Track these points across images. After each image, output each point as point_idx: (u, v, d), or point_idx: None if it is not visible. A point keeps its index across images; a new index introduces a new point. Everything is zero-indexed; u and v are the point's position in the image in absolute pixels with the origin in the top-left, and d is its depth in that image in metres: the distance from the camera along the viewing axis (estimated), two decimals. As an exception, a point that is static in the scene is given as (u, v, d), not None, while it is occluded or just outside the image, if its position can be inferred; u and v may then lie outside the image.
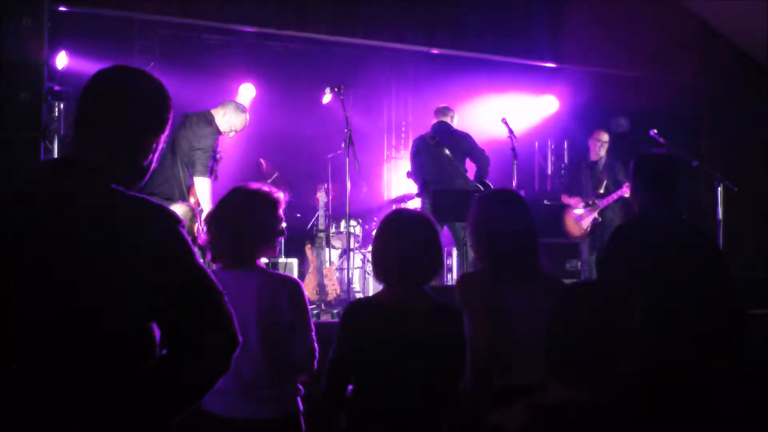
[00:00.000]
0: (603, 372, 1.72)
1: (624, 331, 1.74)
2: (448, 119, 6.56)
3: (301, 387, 2.75)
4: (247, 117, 5.72)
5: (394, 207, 8.28)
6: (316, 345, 2.72)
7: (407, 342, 2.44)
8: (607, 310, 1.76)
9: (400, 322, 2.46)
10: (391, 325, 2.46)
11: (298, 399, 2.73)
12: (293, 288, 2.69)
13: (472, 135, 6.48)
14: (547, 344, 1.79)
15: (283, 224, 2.81)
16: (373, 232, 2.63)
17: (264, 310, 2.62)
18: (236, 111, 5.64)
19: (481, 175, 6.33)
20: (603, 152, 7.01)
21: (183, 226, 1.64)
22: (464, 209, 5.29)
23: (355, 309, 2.56)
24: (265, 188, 2.81)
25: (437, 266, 2.57)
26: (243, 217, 2.70)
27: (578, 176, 7.12)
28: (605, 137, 7.02)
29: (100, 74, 1.73)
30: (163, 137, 1.79)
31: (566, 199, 7.05)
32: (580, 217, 6.88)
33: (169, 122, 1.79)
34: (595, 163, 7.02)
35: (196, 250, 1.67)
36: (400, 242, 2.53)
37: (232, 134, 5.76)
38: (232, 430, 2.57)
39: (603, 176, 6.95)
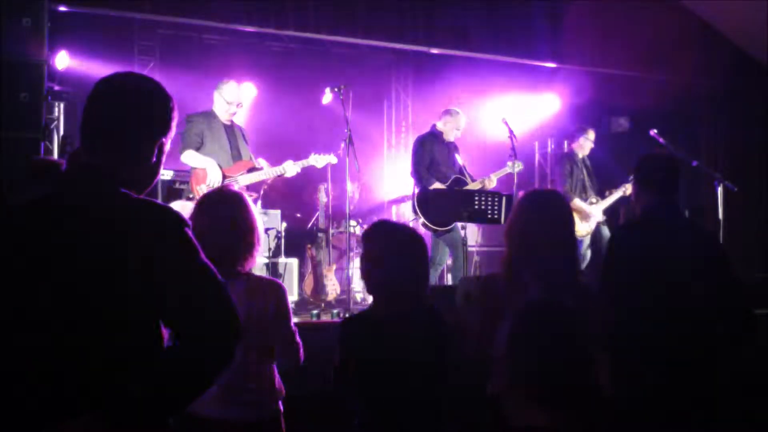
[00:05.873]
0: (571, 392, 1.66)
1: (589, 349, 1.69)
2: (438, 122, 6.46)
3: (282, 389, 2.77)
4: (232, 85, 5.64)
5: (393, 208, 8.32)
6: (298, 339, 2.78)
7: (399, 353, 2.45)
8: (569, 327, 1.71)
9: (390, 334, 2.48)
10: (383, 338, 2.49)
11: (279, 402, 2.76)
12: (278, 291, 2.75)
13: (471, 134, 6.45)
14: (512, 362, 1.73)
15: (257, 223, 2.72)
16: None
17: (250, 316, 2.62)
18: (223, 87, 5.61)
19: None
20: (588, 150, 6.98)
21: (188, 226, 1.70)
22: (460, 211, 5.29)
23: (350, 324, 2.65)
24: (226, 193, 2.75)
25: (423, 283, 2.62)
26: (207, 229, 2.57)
27: (579, 176, 6.94)
28: (593, 135, 7.00)
29: (103, 81, 1.79)
30: (169, 138, 1.84)
31: (581, 203, 6.72)
32: (587, 216, 6.73)
33: (173, 123, 1.85)
34: (583, 161, 6.95)
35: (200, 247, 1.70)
36: (388, 260, 2.54)
37: (235, 108, 5.67)
38: (213, 431, 2.57)
39: (593, 174, 6.92)
